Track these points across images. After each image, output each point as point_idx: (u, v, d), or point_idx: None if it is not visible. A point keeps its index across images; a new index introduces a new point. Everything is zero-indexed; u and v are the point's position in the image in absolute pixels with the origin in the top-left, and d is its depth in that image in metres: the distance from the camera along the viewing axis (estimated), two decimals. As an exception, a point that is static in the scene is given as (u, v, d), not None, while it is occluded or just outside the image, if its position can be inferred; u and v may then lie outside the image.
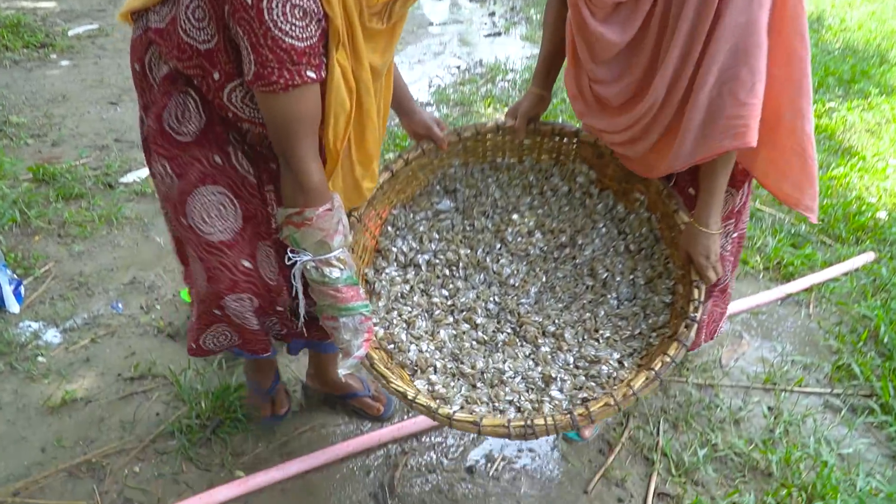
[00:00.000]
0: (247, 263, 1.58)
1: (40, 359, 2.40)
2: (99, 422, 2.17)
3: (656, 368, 1.52)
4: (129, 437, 2.12)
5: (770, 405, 2.25)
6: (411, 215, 2.01)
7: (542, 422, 1.46)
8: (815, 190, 1.71)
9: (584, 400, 1.64)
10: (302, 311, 1.64)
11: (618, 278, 1.91)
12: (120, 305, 2.65)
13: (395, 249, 1.94)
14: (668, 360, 1.53)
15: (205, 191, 1.50)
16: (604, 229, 1.99)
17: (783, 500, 1.92)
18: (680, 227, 1.75)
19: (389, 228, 1.98)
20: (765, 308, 2.70)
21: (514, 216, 2.02)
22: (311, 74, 1.29)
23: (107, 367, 2.37)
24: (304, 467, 2.00)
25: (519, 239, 2.00)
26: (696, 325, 1.60)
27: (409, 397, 1.52)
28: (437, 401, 1.66)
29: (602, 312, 1.85)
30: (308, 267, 1.50)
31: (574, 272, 1.97)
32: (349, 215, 1.75)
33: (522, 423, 1.46)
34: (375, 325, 1.79)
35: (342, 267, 1.51)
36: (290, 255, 1.51)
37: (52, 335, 2.51)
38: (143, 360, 2.39)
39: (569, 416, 1.46)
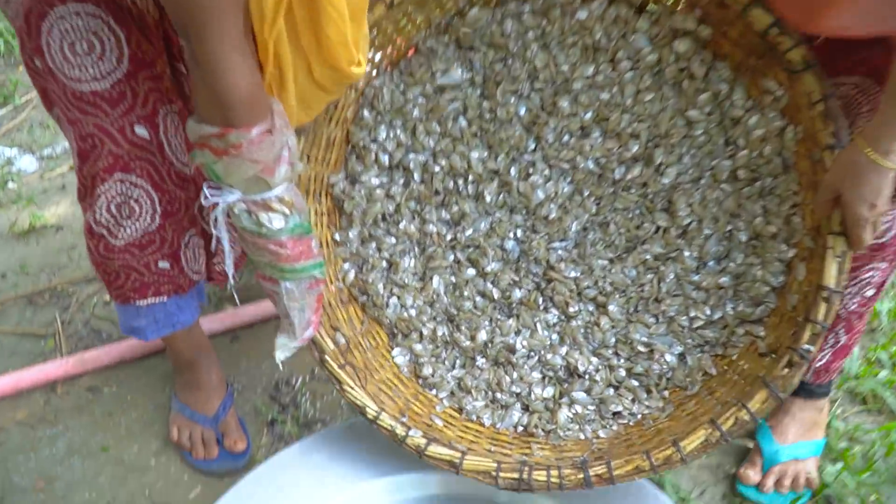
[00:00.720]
0: (140, 130, 1.06)
1: (10, 185, 2.09)
2: (70, 249, 1.86)
3: (724, 428, 1.02)
4: (102, 264, 1.81)
5: (871, 256, 1.85)
6: (401, 88, 1.28)
7: (542, 477, 1.05)
8: None
9: (616, 415, 1.19)
10: (230, 269, 1.06)
11: (707, 229, 1.21)
12: (106, 135, 2.32)
13: (374, 146, 1.29)
14: (745, 418, 1.02)
15: (64, 11, 0.97)
16: (702, 137, 1.20)
17: (894, 356, 1.55)
18: (827, 164, 1.03)
19: (366, 112, 1.28)
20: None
21: (564, 102, 1.24)
22: None
23: (85, 194, 2.05)
24: (304, 303, 1.67)
25: (566, 139, 1.26)
26: (805, 367, 1.02)
27: (370, 416, 1.11)
28: (420, 379, 1.27)
29: (672, 275, 1.23)
30: (236, 211, 0.95)
31: (643, 205, 1.26)
32: None
33: (517, 475, 1.07)
34: (345, 260, 1.30)
35: (287, 211, 0.97)
36: (208, 192, 0.94)
37: (27, 162, 2.19)
38: (126, 187, 2.06)
39: (582, 474, 1.05)
